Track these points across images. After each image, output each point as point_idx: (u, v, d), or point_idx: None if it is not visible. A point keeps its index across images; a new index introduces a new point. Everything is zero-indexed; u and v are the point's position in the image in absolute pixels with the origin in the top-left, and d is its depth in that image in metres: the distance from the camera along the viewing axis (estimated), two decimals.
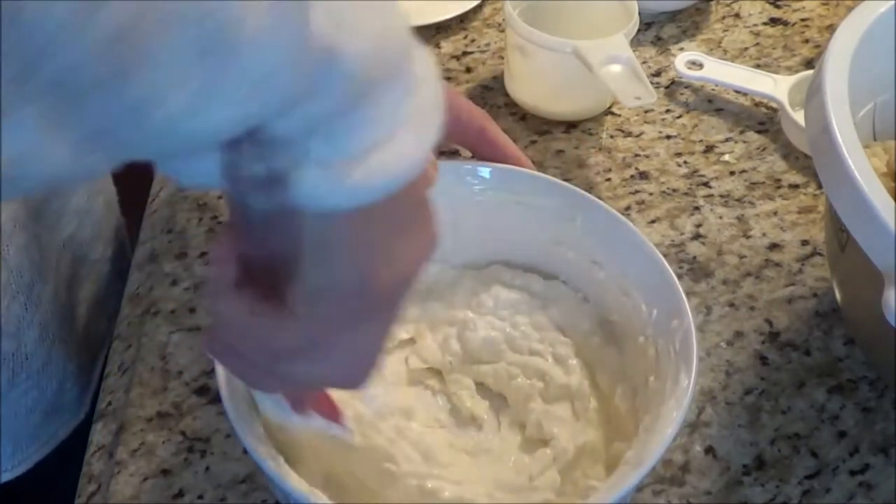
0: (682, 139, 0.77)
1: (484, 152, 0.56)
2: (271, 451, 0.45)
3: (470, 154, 0.58)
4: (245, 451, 0.53)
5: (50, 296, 0.65)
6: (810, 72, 0.78)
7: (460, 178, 0.56)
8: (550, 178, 0.56)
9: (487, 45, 0.85)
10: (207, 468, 0.55)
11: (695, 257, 0.68)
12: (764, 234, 0.70)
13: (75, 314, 0.69)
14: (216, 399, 0.47)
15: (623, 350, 0.54)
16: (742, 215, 0.71)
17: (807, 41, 0.87)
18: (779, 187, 0.73)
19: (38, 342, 0.63)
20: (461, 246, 0.58)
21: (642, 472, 0.44)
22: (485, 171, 0.56)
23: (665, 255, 0.67)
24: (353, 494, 0.47)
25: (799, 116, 0.74)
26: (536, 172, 0.57)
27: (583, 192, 0.55)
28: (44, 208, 0.65)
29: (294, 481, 0.43)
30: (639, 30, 0.77)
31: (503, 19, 0.82)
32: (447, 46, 0.85)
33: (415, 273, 0.38)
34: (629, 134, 0.77)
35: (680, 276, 0.66)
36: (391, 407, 0.51)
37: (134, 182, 0.78)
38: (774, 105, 0.79)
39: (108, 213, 0.75)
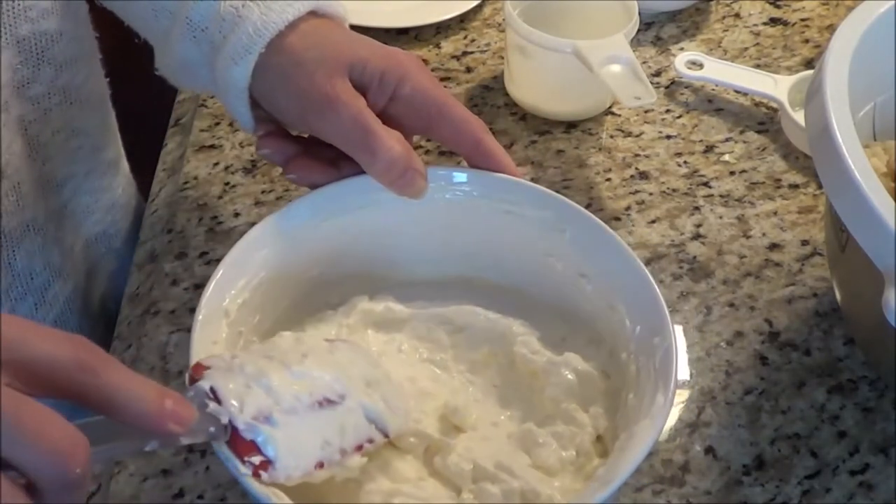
0: (682, 139, 0.77)
1: (479, 164, 0.56)
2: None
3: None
4: None
5: (69, 294, 0.65)
6: (810, 72, 0.78)
7: (448, 184, 0.56)
8: (541, 188, 0.56)
9: (487, 45, 0.85)
10: (207, 468, 0.55)
11: (695, 257, 0.68)
12: (764, 234, 0.70)
13: (105, 303, 0.70)
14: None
15: (607, 367, 0.53)
16: (742, 215, 0.71)
17: (807, 41, 0.87)
18: (779, 187, 0.73)
19: None
20: (450, 253, 0.57)
21: (609, 491, 0.43)
22: (474, 178, 0.56)
23: (665, 256, 0.68)
24: None
25: (799, 116, 0.74)
26: (527, 182, 0.56)
27: (573, 203, 0.55)
28: (71, 207, 0.65)
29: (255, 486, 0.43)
30: (639, 30, 0.77)
31: (503, 19, 0.82)
32: (447, 46, 0.85)
33: None
34: (629, 134, 0.77)
35: (680, 276, 0.66)
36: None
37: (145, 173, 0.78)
38: (774, 105, 0.79)
39: (136, 204, 0.76)
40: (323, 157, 0.56)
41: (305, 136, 0.59)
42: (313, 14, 0.55)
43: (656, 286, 0.51)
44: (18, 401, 0.36)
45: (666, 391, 0.46)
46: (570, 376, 0.52)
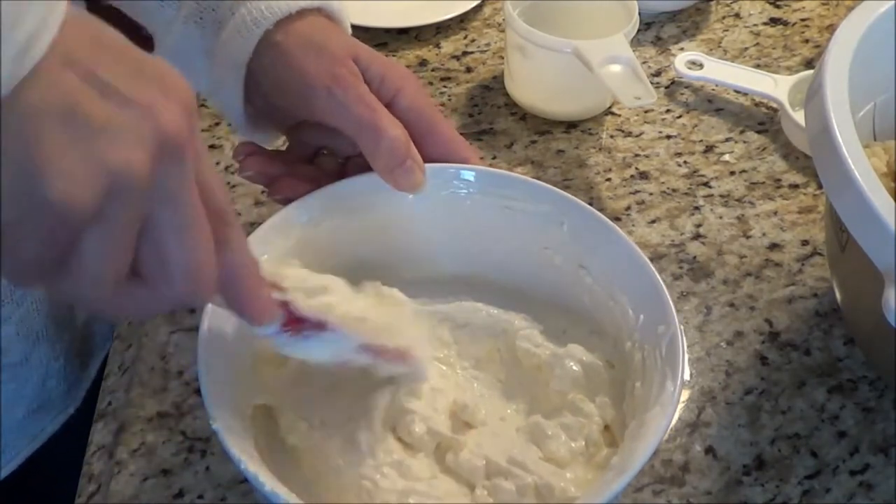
0: (682, 139, 0.77)
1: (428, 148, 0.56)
2: (252, 453, 0.45)
3: None
4: None
5: (38, 295, 0.64)
6: (810, 72, 0.78)
7: (447, 181, 0.56)
8: (538, 181, 0.56)
9: (487, 45, 0.85)
10: (207, 468, 0.55)
11: (695, 257, 0.68)
12: (764, 234, 0.70)
13: (73, 311, 0.69)
14: None
15: (611, 357, 0.54)
16: (742, 215, 0.71)
17: (807, 41, 0.87)
18: (779, 187, 0.73)
19: (16, 337, 0.63)
20: (449, 250, 0.58)
21: (625, 480, 0.44)
22: (471, 174, 0.56)
23: (665, 256, 0.68)
24: None
25: (799, 116, 0.74)
26: (524, 177, 0.57)
27: (570, 196, 0.55)
28: None
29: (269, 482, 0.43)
30: (639, 30, 0.77)
31: (503, 19, 0.82)
32: (447, 46, 0.85)
33: (108, 168, 0.33)
34: (629, 134, 0.78)
35: (680, 276, 0.66)
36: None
37: None
38: (774, 105, 0.79)
39: None
40: (307, 176, 0.56)
41: (287, 154, 0.60)
42: (320, 12, 0.56)
43: (657, 275, 0.51)
44: (199, 214, 0.37)
45: (674, 378, 0.47)
46: (574, 367, 0.52)
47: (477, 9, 0.88)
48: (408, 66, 0.82)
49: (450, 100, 0.80)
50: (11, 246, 0.34)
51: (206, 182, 0.38)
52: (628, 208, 0.71)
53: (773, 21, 0.89)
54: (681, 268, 0.67)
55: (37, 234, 0.34)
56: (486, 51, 0.85)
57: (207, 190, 0.38)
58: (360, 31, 0.81)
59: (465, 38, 0.86)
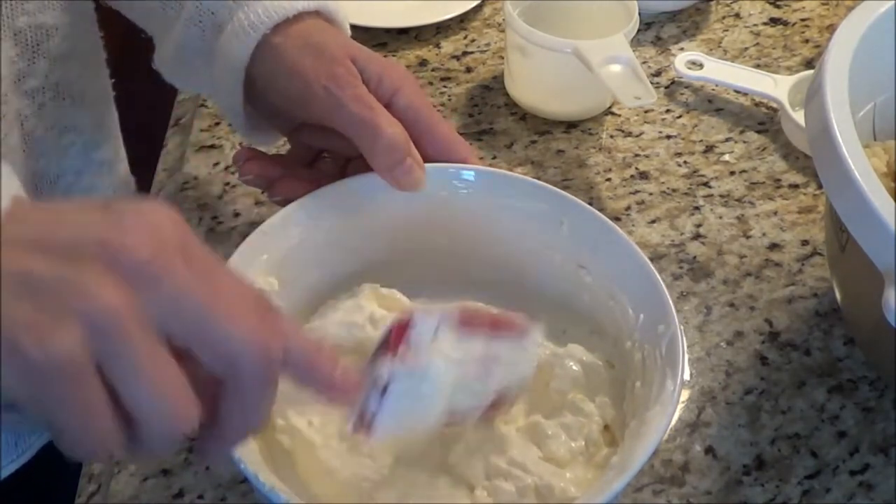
0: (682, 139, 0.77)
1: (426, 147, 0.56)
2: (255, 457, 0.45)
3: None
4: None
5: None
6: (810, 72, 0.78)
7: (446, 181, 0.56)
8: (537, 181, 0.56)
9: (487, 45, 0.85)
10: (207, 468, 0.55)
11: (695, 257, 0.68)
12: (764, 234, 0.70)
13: None
14: None
15: (610, 356, 0.54)
16: (742, 215, 0.71)
17: (807, 41, 0.87)
18: (779, 187, 0.73)
19: None
20: (449, 250, 0.58)
21: (625, 480, 0.44)
22: (470, 174, 0.56)
23: (665, 255, 0.68)
24: None
25: (799, 116, 0.74)
26: (523, 176, 0.57)
27: (570, 196, 0.55)
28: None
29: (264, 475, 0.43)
30: (639, 30, 0.77)
31: (503, 19, 0.82)
32: (447, 46, 0.85)
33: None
34: (629, 134, 0.78)
35: (680, 276, 0.66)
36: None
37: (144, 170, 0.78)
38: (774, 105, 0.79)
39: None
40: (306, 178, 0.56)
41: (287, 157, 0.60)
42: (318, 14, 0.56)
43: (657, 274, 0.51)
44: (223, 285, 0.35)
45: (675, 378, 0.47)
46: (574, 367, 0.52)
47: (477, 9, 0.88)
48: (408, 67, 0.82)
49: (450, 100, 0.80)
50: (57, 428, 0.33)
51: (220, 275, 0.36)
52: (628, 208, 0.71)
53: (773, 21, 0.89)
54: (681, 268, 0.67)
55: (58, 403, 0.32)
56: (486, 51, 0.85)
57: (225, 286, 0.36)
58: (360, 31, 0.81)
59: (465, 38, 0.86)
